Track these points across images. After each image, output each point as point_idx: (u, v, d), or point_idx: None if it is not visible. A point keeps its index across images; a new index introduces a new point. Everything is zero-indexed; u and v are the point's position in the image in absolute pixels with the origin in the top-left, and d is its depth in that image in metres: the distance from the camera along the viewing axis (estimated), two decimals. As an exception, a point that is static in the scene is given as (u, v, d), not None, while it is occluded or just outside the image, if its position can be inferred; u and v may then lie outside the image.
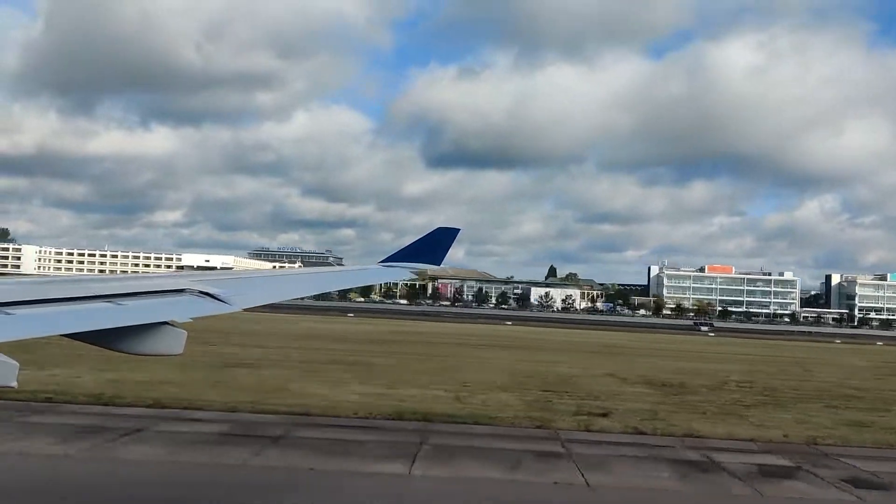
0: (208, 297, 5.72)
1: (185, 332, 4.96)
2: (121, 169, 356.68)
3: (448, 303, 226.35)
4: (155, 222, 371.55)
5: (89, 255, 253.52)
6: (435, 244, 10.87)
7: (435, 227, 11.22)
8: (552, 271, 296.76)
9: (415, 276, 12.16)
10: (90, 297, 4.97)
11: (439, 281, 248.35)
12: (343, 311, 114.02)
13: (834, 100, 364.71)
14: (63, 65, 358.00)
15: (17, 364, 3.59)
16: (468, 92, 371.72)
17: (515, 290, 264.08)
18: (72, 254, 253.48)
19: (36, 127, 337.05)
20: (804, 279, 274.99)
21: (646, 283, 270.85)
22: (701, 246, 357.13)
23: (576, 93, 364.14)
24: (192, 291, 5.74)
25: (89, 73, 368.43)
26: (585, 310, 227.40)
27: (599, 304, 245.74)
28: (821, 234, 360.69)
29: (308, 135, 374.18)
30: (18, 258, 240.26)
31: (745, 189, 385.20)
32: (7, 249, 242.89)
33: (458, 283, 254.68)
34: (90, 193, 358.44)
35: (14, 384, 3.61)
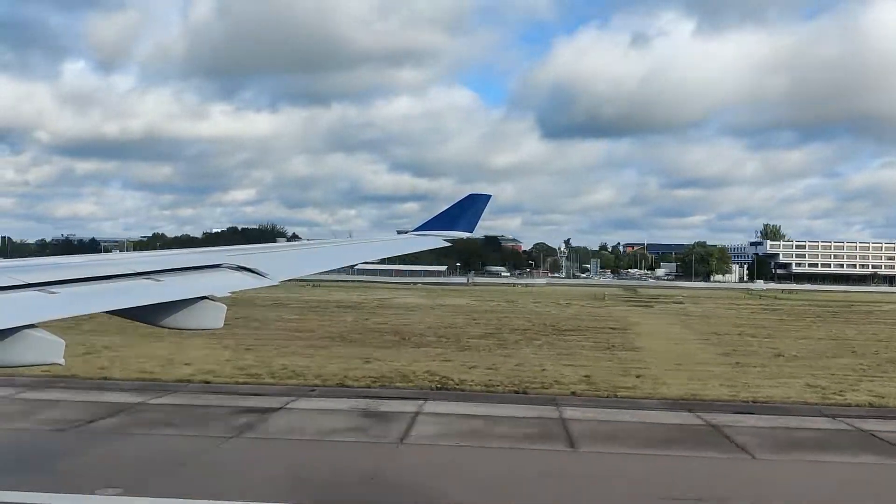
0: (245, 271, 5.75)
1: (225, 307, 4.98)
2: (215, 150, 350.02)
3: None
4: (224, 201, 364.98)
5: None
6: (467, 211, 10.80)
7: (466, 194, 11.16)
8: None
9: (448, 244, 12.12)
10: (130, 275, 5.01)
11: None
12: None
13: None
14: (223, 49, 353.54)
15: (64, 342, 3.64)
16: (610, 60, 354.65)
17: None
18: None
19: (154, 110, 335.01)
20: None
21: None
22: (777, 209, 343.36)
23: (724, 57, 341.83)
24: (229, 265, 5.77)
25: (244, 57, 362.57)
26: None
27: None
28: None
29: (427, 110, 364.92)
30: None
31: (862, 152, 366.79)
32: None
33: None
34: (174, 175, 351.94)
35: (61, 361, 3.66)
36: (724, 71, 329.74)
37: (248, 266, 5.82)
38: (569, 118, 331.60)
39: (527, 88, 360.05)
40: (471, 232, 10.87)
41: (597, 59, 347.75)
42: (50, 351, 3.63)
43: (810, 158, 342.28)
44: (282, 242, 12.05)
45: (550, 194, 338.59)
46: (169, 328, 4.84)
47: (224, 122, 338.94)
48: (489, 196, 11.24)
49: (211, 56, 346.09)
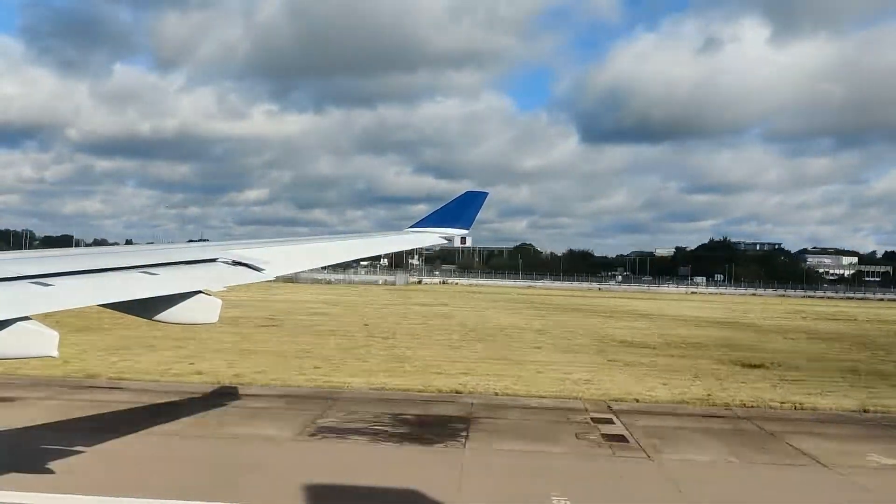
0: (241, 266, 5.75)
1: (220, 301, 4.98)
2: (243, 150, 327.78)
3: None
4: (236, 201, 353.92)
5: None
6: (464, 208, 10.83)
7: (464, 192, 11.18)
8: None
9: (444, 241, 12.19)
10: (126, 268, 5.01)
11: None
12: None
13: None
14: (285, 50, 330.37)
15: (57, 334, 3.64)
16: (664, 65, 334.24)
17: None
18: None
19: (194, 110, 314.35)
20: None
21: None
22: (788, 214, 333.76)
23: (779, 64, 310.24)
24: (224, 260, 5.76)
25: (305, 59, 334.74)
26: None
27: None
28: None
29: (469, 112, 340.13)
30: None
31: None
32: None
33: None
34: (192, 174, 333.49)
35: (55, 354, 3.66)
36: (780, 78, 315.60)
37: (243, 261, 5.82)
38: (607, 123, 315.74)
39: (571, 92, 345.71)
40: (467, 229, 10.90)
41: (646, 66, 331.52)
42: (44, 343, 3.64)
43: (837, 165, 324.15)
44: (283, 237, 12.01)
45: (568, 197, 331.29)
46: (162, 322, 4.85)
47: (262, 122, 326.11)
48: (486, 193, 11.28)
49: (271, 57, 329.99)
